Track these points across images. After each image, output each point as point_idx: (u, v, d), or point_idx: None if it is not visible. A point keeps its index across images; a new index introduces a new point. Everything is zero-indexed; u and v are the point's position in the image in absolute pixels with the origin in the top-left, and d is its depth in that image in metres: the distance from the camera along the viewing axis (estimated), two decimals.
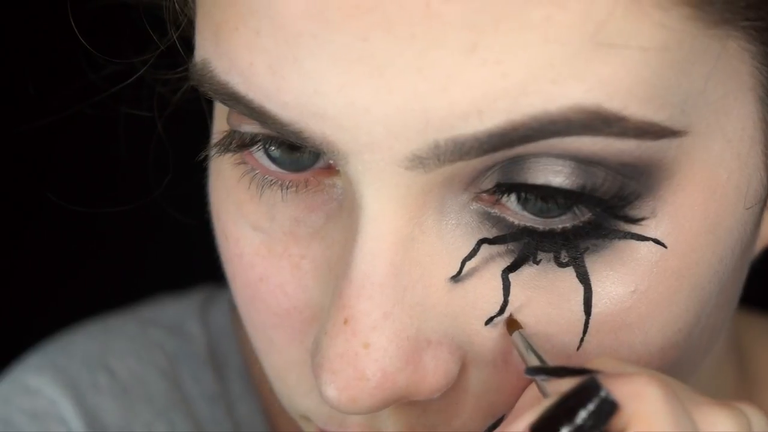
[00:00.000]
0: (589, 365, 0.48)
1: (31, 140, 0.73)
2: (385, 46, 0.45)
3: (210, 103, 0.59)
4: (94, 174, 0.87)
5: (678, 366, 0.53)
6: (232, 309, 0.78)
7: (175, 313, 0.78)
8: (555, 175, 0.48)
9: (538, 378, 0.49)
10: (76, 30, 0.53)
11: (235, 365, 0.76)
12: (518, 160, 0.48)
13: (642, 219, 0.49)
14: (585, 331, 0.50)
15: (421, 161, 0.47)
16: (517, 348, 0.50)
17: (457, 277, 0.51)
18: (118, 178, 0.77)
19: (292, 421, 0.59)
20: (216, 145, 0.54)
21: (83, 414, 0.72)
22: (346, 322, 0.50)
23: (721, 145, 0.50)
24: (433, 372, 0.51)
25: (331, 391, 0.50)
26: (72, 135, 0.76)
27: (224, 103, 0.51)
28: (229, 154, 0.54)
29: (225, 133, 0.54)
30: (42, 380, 0.74)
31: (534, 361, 0.49)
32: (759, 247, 0.58)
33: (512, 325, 0.50)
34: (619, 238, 0.50)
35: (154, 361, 0.76)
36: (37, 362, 0.76)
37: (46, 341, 0.78)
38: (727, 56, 0.49)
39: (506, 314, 0.51)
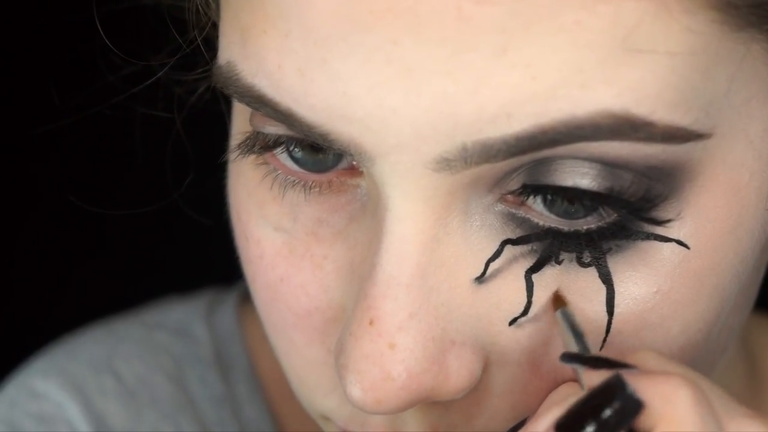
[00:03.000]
0: (629, 359, 0.49)
1: (48, 141, 0.73)
2: (416, 48, 0.46)
3: (228, 104, 0.59)
4: (108, 175, 0.87)
5: (695, 365, 0.54)
6: (238, 311, 0.78)
7: (181, 315, 0.79)
8: (582, 177, 0.48)
9: (574, 365, 0.49)
10: (100, 30, 0.53)
11: (241, 367, 0.76)
12: (545, 162, 0.48)
13: (667, 221, 0.50)
14: (608, 331, 0.51)
15: (448, 163, 0.48)
16: (560, 327, 0.50)
17: (481, 278, 0.51)
18: (132, 179, 0.77)
19: (299, 422, 0.59)
20: (239, 146, 0.54)
21: (90, 418, 0.73)
22: (371, 322, 0.50)
23: (744, 146, 0.51)
24: (457, 372, 0.51)
25: (357, 392, 0.50)
26: (89, 135, 0.76)
27: (250, 106, 0.51)
28: (252, 156, 0.54)
29: (248, 135, 0.54)
30: (48, 384, 0.74)
31: (572, 346, 0.49)
32: None
33: (558, 301, 0.50)
34: (642, 239, 0.50)
35: (161, 365, 0.76)
36: (44, 366, 0.76)
37: (52, 344, 0.78)
38: (751, 59, 0.49)
39: (530, 315, 0.51)
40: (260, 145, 0.53)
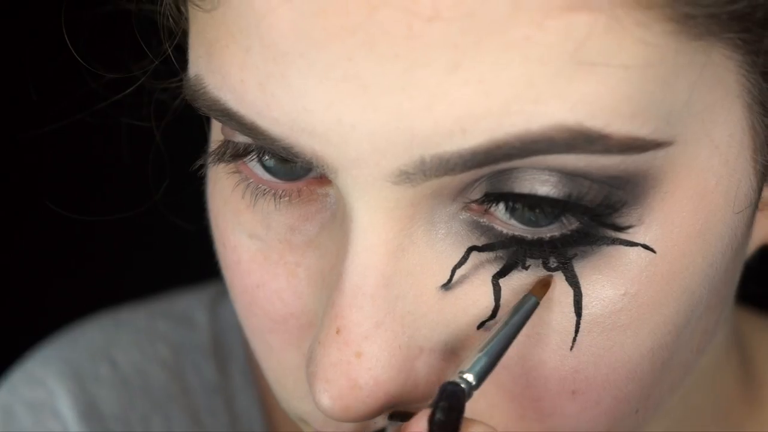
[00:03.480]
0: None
1: (30, 147, 0.74)
2: (370, 65, 0.46)
3: None
4: (93, 180, 0.88)
5: (667, 365, 0.54)
6: None
7: (186, 304, 0.80)
8: (541, 185, 0.48)
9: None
10: (68, 40, 0.54)
11: (238, 358, 0.77)
12: (505, 171, 0.49)
13: (629, 227, 0.50)
14: (577, 332, 0.51)
15: (407, 176, 0.48)
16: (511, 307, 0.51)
17: (447, 285, 0.51)
18: (117, 184, 0.78)
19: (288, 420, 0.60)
20: (211, 154, 0.55)
21: (80, 406, 0.75)
22: (338, 331, 0.50)
23: (709, 151, 0.51)
24: (426, 379, 0.52)
25: (325, 400, 0.51)
26: (72, 141, 0.77)
27: (217, 119, 0.52)
28: (223, 164, 0.55)
29: (219, 143, 0.55)
30: (46, 371, 0.76)
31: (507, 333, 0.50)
32: (752, 248, 0.58)
33: (537, 291, 0.51)
34: (608, 244, 0.50)
35: (157, 353, 0.77)
36: (47, 352, 0.78)
37: (61, 330, 0.79)
38: (713, 66, 0.49)
39: (497, 318, 0.52)
40: (231, 153, 0.54)
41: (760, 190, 0.55)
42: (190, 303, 0.81)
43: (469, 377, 0.49)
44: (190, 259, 0.80)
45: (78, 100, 0.61)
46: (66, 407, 0.75)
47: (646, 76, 0.47)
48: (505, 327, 0.50)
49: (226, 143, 0.54)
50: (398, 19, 0.45)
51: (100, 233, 0.91)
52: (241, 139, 0.53)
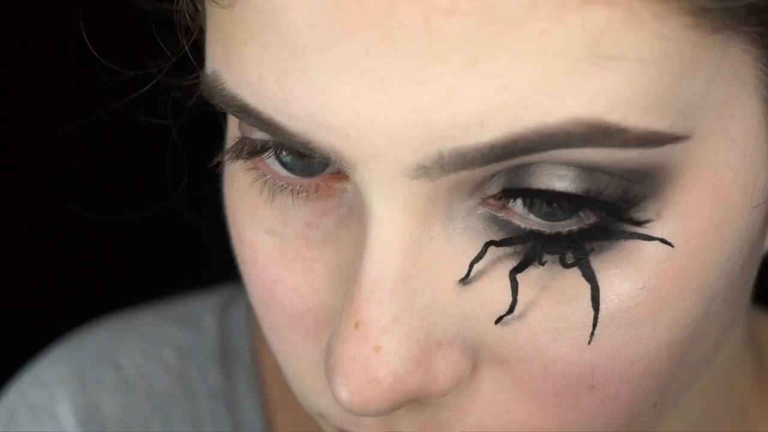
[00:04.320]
0: None
1: (46, 147, 0.74)
2: (387, 59, 0.46)
3: None
4: (109, 179, 0.88)
5: (685, 360, 0.54)
6: (249, 306, 0.80)
7: (196, 307, 0.80)
8: (559, 180, 0.49)
9: None
10: (83, 37, 0.54)
11: (245, 362, 0.77)
12: (523, 166, 0.49)
13: (647, 221, 0.50)
14: (594, 326, 0.51)
15: (426, 171, 0.48)
16: None
17: (465, 280, 0.51)
18: (133, 183, 0.78)
19: (292, 422, 0.60)
20: (228, 152, 0.55)
21: (80, 410, 0.75)
22: (357, 326, 0.51)
23: (726, 145, 0.51)
24: (444, 373, 0.52)
25: (344, 394, 0.51)
26: (90, 140, 0.78)
27: (235, 115, 0.52)
28: (240, 161, 0.55)
29: (236, 140, 0.55)
30: (51, 374, 0.77)
31: None
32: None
33: None
34: (625, 239, 0.50)
35: (162, 358, 0.78)
36: (55, 354, 0.79)
37: (72, 332, 0.80)
38: (730, 59, 0.49)
39: (516, 313, 0.52)
40: (248, 150, 0.54)
41: None
42: (200, 306, 0.81)
43: None
44: (207, 258, 0.80)
45: (94, 99, 0.61)
46: (65, 412, 0.76)
47: (663, 69, 0.47)
48: None
49: (243, 140, 0.54)
50: (416, 13, 0.45)
51: (117, 232, 0.91)
52: (258, 135, 0.53)
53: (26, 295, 0.98)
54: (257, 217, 0.56)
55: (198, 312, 0.80)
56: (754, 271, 0.59)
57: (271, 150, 0.54)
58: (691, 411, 0.65)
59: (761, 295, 0.69)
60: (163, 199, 0.62)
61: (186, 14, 0.55)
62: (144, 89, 0.59)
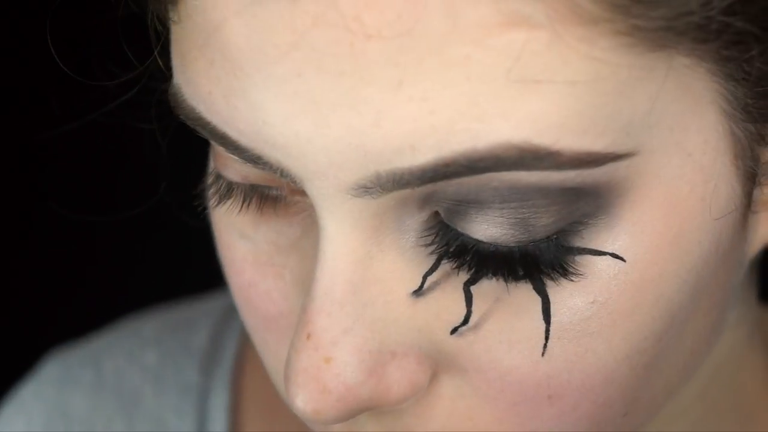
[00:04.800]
0: None
1: (36, 150, 0.76)
2: (318, 82, 0.47)
3: None
4: (99, 180, 0.90)
5: (655, 369, 0.54)
6: None
7: (199, 311, 0.83)
8: (496, 227, 0.49)
9: None
10: (45, 47, 0.55)
11: (226, 359, 0.79)
12: (460, 212, 0.49)
13: (594, 237, 0.50)
14: (547, 338, 0.51)
15: (366, 190, 0.49)
16: None
17: (419, 292, 0.52)
18: (124, 185, 0.80)
19: (260, 421, 0.61)
20: (212, 195, 0.58)
21: (50, 410, 0.79)
22: (308, 337, 0.52)
23: (681, 159, 0.50)
24: (398, 383, 0.52)
25: (299, 403, 0.52)
26: (79, 141, 0.79)
27: (194, 127, 0.53)
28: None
29: (213, 176, 0.57)
30: (48, 371, 0.81)
31: None
32: (755, 248, 0.57)
33: None
34: (575, 254, 0.50)
35: (142, 359, 0.80)
36: (60, 352, 0.83)
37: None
38: (677, 75, 0.48)
39: (470, 324, 0.52)
40: (224, 191, 0.56)
41: (748, 194, 0.53)
42: (203, 310, 0.83)
43: None
44: (204, 258, 0.82)
45: (84, 102, 0.63)
46: (36, 409, 0.79)
47: (596, 90, 0.46)
48: None
49: (218, 179, 0.56)
50: (339, 37, 0.46)
51: (108, 234, 0.93)
52: (230, 175, 0.55)
53: (24, 297, 1.01)
54: (232, 221, 0.57)
55: (198, 316, 0.82)
56: (734, 279, 0.58)
57: (241, 191, 0.55)
58: (692, 413, 0.64)
59: None
60: (157, 200, 0.63)
61: (156, 20, 0.56)
62: (130, 93, 0.60)
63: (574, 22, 0.45)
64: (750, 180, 0.53)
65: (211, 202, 0.58)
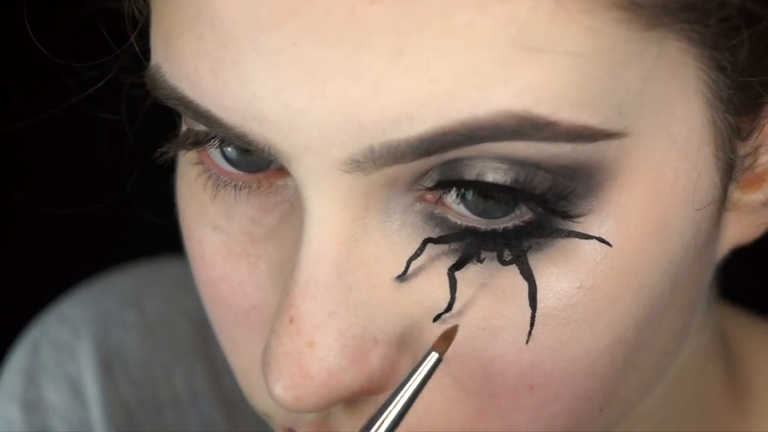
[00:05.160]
0: None
1: (7, 143, 0.75)
2: (315, 50, 0.46)
3: None
4: (70, 175, 0.89)
5: (630, 363, 0.54)
6: None
7: None
8: (492, 171, 0.48)
9: None
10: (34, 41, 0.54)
11: None
12: (457, 160, 0.48)
13: (580, 216, 0.50)
14: (532, 325, 0.51)
15: (358, 165, 0.48)
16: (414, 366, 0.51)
17: (403, 277, 0.51)
18: (94, 179, 0.79)
19: None
20: (173, 142, 0.55)
21: (102, 351, 0.77)
22: (291, 321, 0.50)
23: (667, 145, 0.50)
24: (380, 370, 0.52)
25: (278, 389, 0.51)
26: (49, 136, 0.78)
27: (175, 108, 0.52)
28: (186, 153, 0.55)
29: (182, 132, 0.55)
30: (76, 312, 0.79)
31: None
32: (723, 249, 0.58)
33: (439, 345, 0.51)
34: (563, 237, 0.50)
35: (185, 306, 0.80)
36: (80, 295, 0.81)
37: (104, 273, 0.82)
38: (667, 58, 0.49)
39: (454, 311, 0.51)
40: (192, 140, 0.54)
41: (725, 188, 0.54)
42: None
43: None
44: (162, 255, 0.80)
45: (55, 96, 0.62)
46: (86, 351, 0.77)
47: (595, 63, 0.47)
48: (406, 386, 0.50)
49: (189, 131, 0.54)
50: (341, 2, 0.45)
51: (79, 228, 0.91)
52: (202, 127, 0.53)
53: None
54: (203, 213, 0.56)
55: None
56: (704, 277, 0.58)
57: (215, 140, 0.54)
58: (654, 416, 0.64)
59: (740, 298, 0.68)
60: (121, 195, 0.62)
61: (134, 6, 0.55)
62: (98, 85, 0.59)
63: None
64: (727, 173, 0.54)
65: (184, 191, 0.57)
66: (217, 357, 0.77)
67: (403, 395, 0.50)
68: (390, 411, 0.50)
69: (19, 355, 0.79)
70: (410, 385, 0.50)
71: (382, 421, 0.50)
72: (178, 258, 0.81)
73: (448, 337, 0.50)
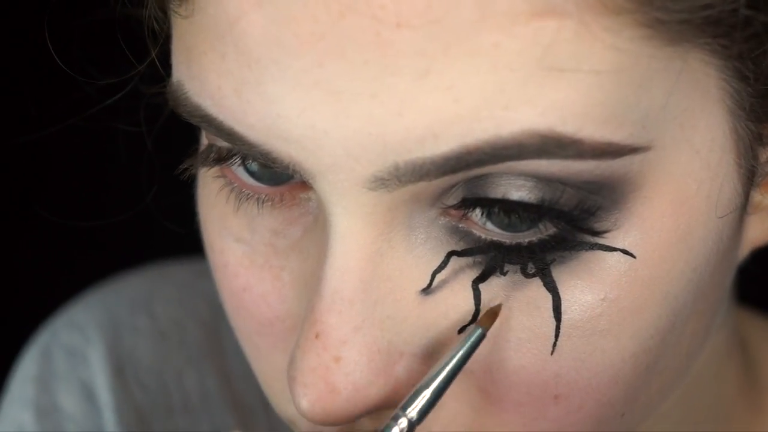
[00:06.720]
0: None
1: (25, 153, 0.75)
2: (340, 71, 0.46)
3: None
4: (90, 185, 0.89)
5: (652, 370, 0.54)
6: None
7: None
8: (516, 189, 0.49)
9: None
10: (51, 49, 0.54)
11: None
12: (482, 177, 0.49)
13: (605, 231, 0.50)
14: (557, 336, 0.51)
15: (383, 182, 0.48)
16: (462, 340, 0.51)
17: (427, 290, 0.51)
18: (115, 189, 0.79)
19: None
20: (195, 158, 0.56)
21: (113, 356, 0.77)
22: (317, 336, 0.51)
23: (689, 156, 0.50)
24: (406, 383, 0.52)
25: (305, 404, 0.51)
26: (69, 145, 0.78)
27: (199, 125, 0.52)
28: (207, 168, 0.56)
29: (204, 147, 0.55)
30: (87, 316, 0.79)
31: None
32: (743, 252, 0.58)
33: (484, 322, 0.51)
34: (586, 249, 0.50)
35: (197, 310, 0.79)
36: (90, 299, 0.81)
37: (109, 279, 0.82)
38: (690, 70, 0.49)
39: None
40: (214, 157, 0.54)
41: (746, 194, 0.54)
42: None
43: (412, 414, 0.50)
44: (172, 258, 0.81)
45: (74, 105, 0.62)
46: (98, 356, 0.77)
47: (618, 81, 0.47)
48: (450, 360, 0.50)
49: (210, 147, 0.55)
50: (365, 25, 0.45)
51: (98, 239, 0.92)
52: (224, 144, 0.53)
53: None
54: (226, 225, 0.56)
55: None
56: (727, 281, 0.58)
57: (237, 157, 0.54)
58: (672, 416, 0.65)
59: (752, 300, 0.69)
60: (142, 206, 0.62)
61: (154, 20, 0.55)
62: (118, 96, 0.59)
63: (600, 11, 0.45)
64: (749, 180, 0.54)
65: (205, 202, 0.57)
66: (229, 361, 0.77)
67: (446, 367, 0.51)
68: (434, 382, 0.51)
69: (29, 361, 0.79)
70: (453, 359, 0.51)
71: (427, 393, 0.51)
72: (189, 261, 0.81)
73: (494, 313, 0.51)
